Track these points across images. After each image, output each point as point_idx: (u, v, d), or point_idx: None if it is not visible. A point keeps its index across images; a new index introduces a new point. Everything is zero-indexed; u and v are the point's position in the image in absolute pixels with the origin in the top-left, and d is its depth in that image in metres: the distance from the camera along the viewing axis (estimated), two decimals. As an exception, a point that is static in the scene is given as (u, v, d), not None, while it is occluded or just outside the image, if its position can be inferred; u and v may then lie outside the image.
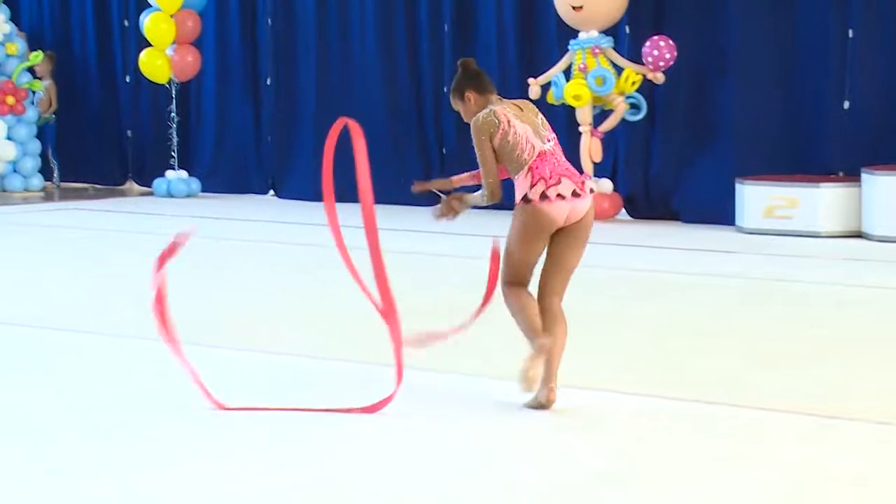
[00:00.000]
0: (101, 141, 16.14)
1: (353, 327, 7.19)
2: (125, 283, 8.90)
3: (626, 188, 12.95)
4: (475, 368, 6.27)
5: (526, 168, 5.55)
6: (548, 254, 5.66)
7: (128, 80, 15.90)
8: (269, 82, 14.99)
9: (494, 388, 5.88)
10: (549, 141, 5.66)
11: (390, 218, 12.57)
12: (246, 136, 15.29)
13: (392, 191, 13.94)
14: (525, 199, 5.53)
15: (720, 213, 12.19)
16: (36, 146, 15.39)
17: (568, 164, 5.66)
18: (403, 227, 11.69)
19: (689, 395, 5.79)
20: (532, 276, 5.66)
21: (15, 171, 15.29)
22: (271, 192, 15.10)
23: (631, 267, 9.83)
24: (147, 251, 10.66)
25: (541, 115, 5.75)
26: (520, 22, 13.41)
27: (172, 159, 15.07)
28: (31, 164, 15.34)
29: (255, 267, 9.89)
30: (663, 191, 12.79)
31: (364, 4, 14.22)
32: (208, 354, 6.46)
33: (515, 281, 5.63)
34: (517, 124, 5.60)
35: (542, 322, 5.53)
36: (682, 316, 7.86)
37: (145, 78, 14.97)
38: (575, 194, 5.54)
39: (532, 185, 5.52)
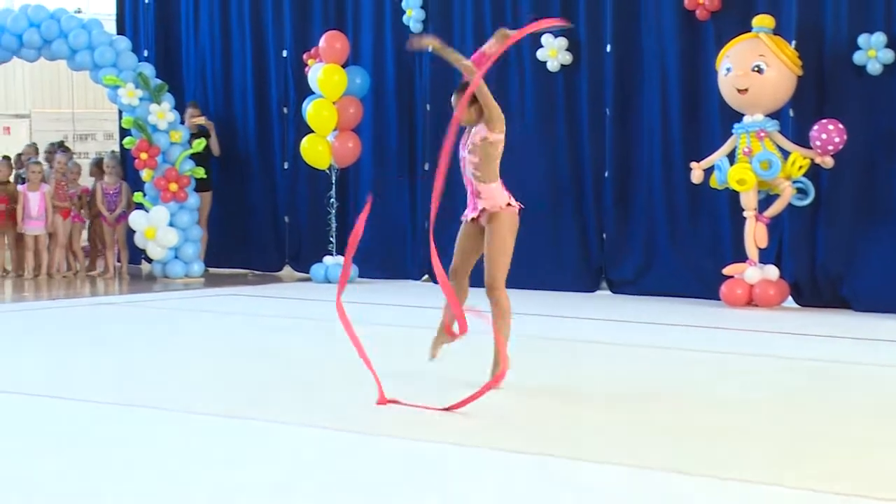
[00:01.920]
0: (259, 227, 16.27)
1: (493, 416, 6.99)
2: (281, 370, 8.84)
3: (792, 275, 12.54)
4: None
5: (499, 179, 7.37)
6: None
7: (286, 166, 16.04)
8: (426, 167, 14.93)
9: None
10: None
11: (550, 305, 12.42)
12: (402, 222, 15.23)
13: (552, 277, 13.77)
14: (509, 204, 7.31)
15: (893, 301, 11.74)
16: (197, 232, 15.57)
17: None
18: (560, 314, 11.50)
19: (858, 491, 5.44)
20: None
21: (176, 257, 15.47)
22: (426, 276, 14.96)
23: (799, 356, 9.46)
24: (303, 335, 10.73)
25: None
26: (683, 105, 13.17)
27: (331, 245, 15.10)
28: (192, 250, 15.49)
29: (408, 350, 9.74)
30: (831, 278, 12.35)
31: (524, 89, 14.11)
32: (348, 439, 6.32)
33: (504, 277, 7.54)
34: None
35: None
36: (855, 408, 7.47)
37: (303, 164, 15.07)
38: None
39: (509, 193, 7.37)
